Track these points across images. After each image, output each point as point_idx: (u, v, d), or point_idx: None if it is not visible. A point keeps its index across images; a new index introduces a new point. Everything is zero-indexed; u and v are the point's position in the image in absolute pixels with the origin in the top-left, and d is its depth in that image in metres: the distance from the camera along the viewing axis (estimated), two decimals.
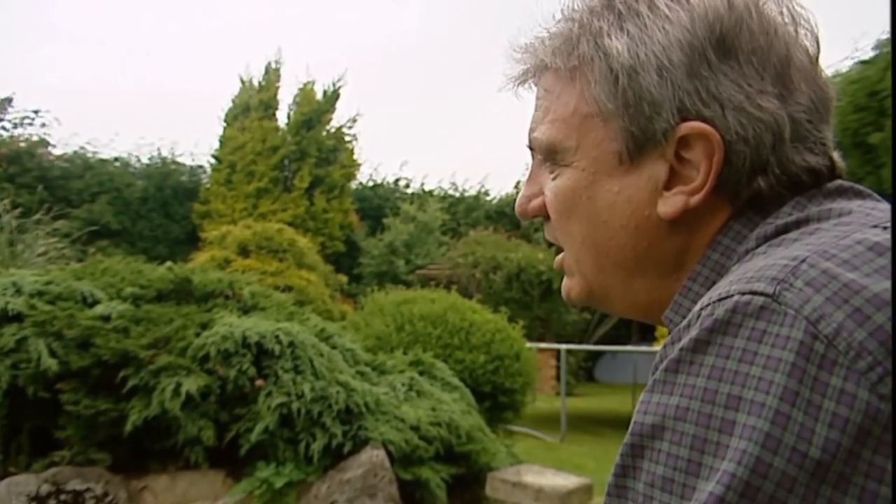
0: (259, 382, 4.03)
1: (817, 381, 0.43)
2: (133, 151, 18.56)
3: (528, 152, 0.72)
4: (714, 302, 0.49)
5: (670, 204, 0.60)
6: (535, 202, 0.70)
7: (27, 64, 38.82)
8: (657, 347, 0.64)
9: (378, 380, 4.86)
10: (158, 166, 18.32)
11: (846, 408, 0.42)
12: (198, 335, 4.10)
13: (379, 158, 36.74)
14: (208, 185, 18.08)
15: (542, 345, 11.04)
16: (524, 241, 14.06)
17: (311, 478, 3.92)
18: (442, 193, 20.69)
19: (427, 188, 20.92)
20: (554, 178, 0.67)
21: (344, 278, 14.12)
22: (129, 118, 35.43)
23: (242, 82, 18.31)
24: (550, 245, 0.74)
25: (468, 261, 13.33)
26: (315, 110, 18.11)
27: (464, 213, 19.94)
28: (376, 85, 43.51)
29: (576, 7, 0.65)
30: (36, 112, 17.71)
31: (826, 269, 0.47)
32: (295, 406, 3.94)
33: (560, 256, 0.71)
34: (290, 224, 14.21)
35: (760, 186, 0.59)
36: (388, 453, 4.08)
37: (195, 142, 33.02)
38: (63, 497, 3.57)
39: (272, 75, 18.25)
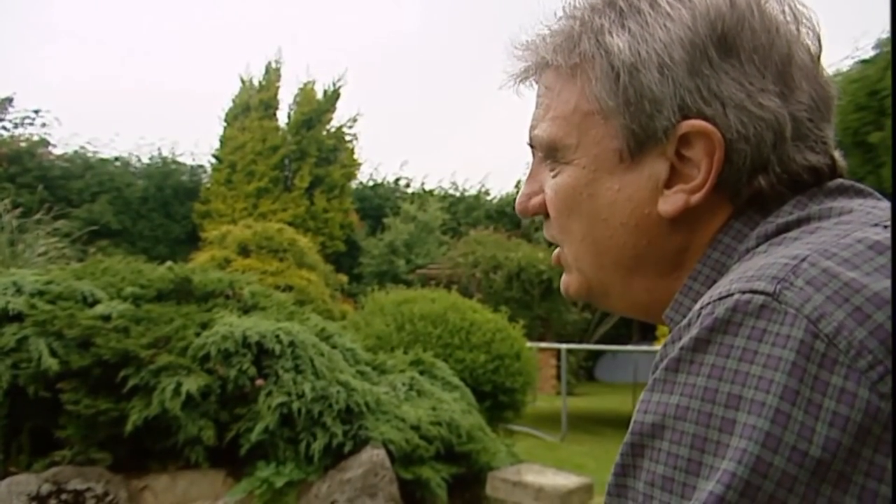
0: (259, 382, 4.03)
1: (818, 380, 0.43)
2: (133, 151, 18.58)
3: (529, 152, 0.72)
4: (714, 301, 0.49)
5: (671, 202, 0.60)
6: (536, 200, 0.70)
7: (27, 64, 38.86)
8: (658, 347, 0.64)
9: (378, 379, 4.87)
10: (159, 166, 18.32)
11: (846, 407, 0.42)
12: (198, 335, 4.11)
13: (379, 158, 36.71)
14: (208, 185, 18.08)
15: (543, 344, 11.04)
16: (524, 241, 14.06)
17: (312, 477, 3.92)
18: (442, 193, 20.69)
19: (427, 188, 20.93)
20: (554, 176, 0.67)
21: (344, 278, 14.12)
22: (129, 118, 35.45)
23: (243, 82, 18.31)
24: (551, 244, 0.74)
25: (468, 260, 13.33)
26: (315, 110, 18.11)
27: (464, 212, 19.94)
28: (376, 85, 43.53)
29: (577, 4, 0.65)
30: (36, 112, 17.73)
31: (827, 268, 0.47)
32: (295, 406, 3.94)
33: (557, 252, 0.71)
34: (290, 224, 14.21)
35: (761, 185, 0.59)
36: (389, 453, 4.08)
37: (195, 141, 32.99)
38: (64, 497, 3.57)
39: (272, 75, 18.25)
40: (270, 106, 18.02)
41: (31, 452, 3.80)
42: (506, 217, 18.54)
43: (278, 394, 3.97)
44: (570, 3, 0.66)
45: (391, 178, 21.21)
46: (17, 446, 3.81)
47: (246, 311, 4.69)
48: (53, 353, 3.74)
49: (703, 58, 0.58)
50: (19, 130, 17.53)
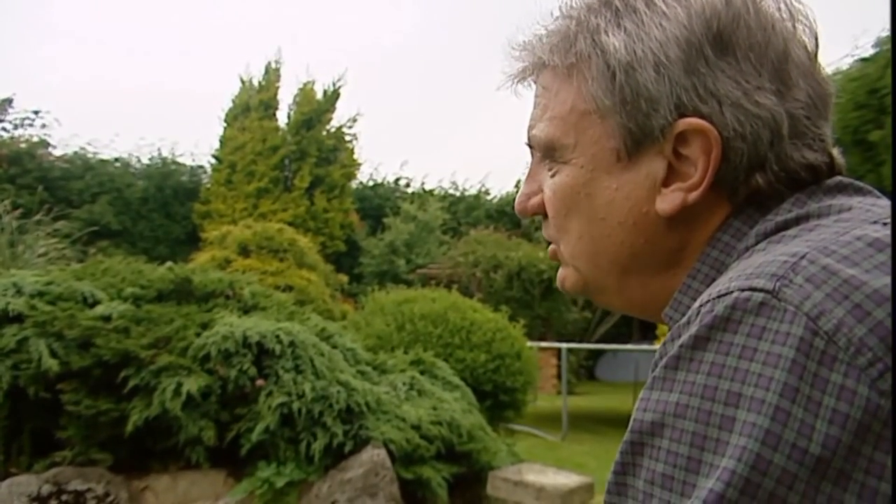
0: (260, 382, 4.03)
1: (817, 378, 0.43)
2: (133, 152, 18.59)
3: (529, 151, 0.72)
4: (714, 299, 0.49)
5: (668, 201, 0.60)
6: (535, 200, 0.70)
7: (27, 64, 38.87)
8: (658, 346, 0.64)
9: (379, 379, 4.86)
10: (159, 166, 18.33)
11: (846, 404, 0.42)
12: (198, 335, 4.10)
13: (379, 158, 36.71)
14: (209, 186, 18.08)
15: (543, 343, 11.04)
16: (525, 240, 14.06)
17: (313, 477, 3.92)
18: (442, 193, 20.70)
19: (427, 187, 20.93)
20: (552, 176, 0.67)
21: (344, 278, 14.12)
22: (129, 118, 35.50)
23: (242, 82, 18.31)
24: (550, 244, 0.75)
25: (469, 260, 13.33)
26: (315, 110, 18.11)
27: (464, 212, 19.95)
28: (376, 85, 43.56)
29: (574, 4, 0.65)
30: (36, 113, 17.75)
31: (826, 266, 0.47)
32: (296, 406, 3.94)
33: (553, 246, 0.71)
34: (290, 224, 14.21)
35: (759, 183, 0.59)
36: (389, 452, 4.08)
37: (195, 142, 33.09)
38: (64, 497, 3.57)
39: (272, 75, 18.25)
40: (270, 106, 18.02)
41: (31, 453, 3.80)
42: (506, 217, 18.55)
43: (279, 394, 3.97)
44: (566, 3, 0.66)
45: (391, 178, 21.22)
46: (17, 447, 3.81)
47: (246, 311, 4.69)
48: (54, 354, 3.74)
49: (699, 56, 0.58)
50: (19, 131, 17.56)
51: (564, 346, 9.92)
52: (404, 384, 4.87)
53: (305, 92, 18.28)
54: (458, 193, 20.89)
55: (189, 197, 18.05)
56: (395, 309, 7.87)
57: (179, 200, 18.02)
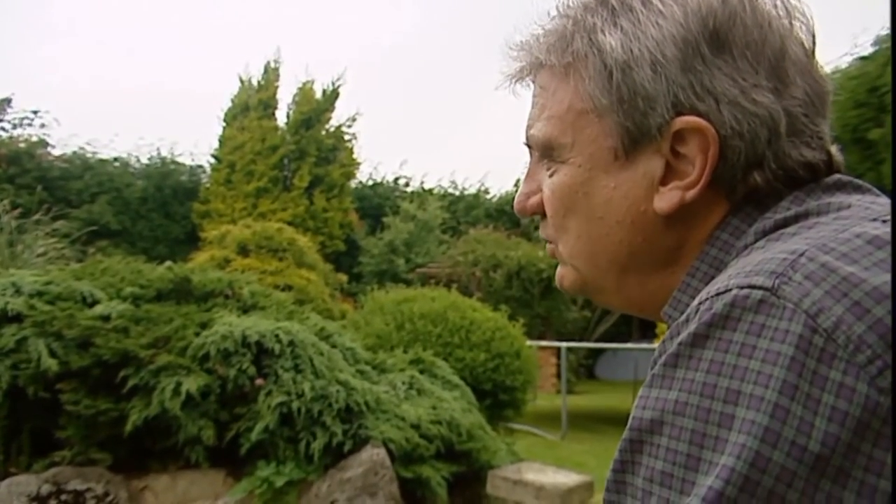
0: (259, 382, 4.02)
1: (816, 375, 0.43)
2: (132, 151, 18.59)
3: (527, 151, 0.72)
4: (712, 296, 0.49)
5: (666, 199, 0.60)
6: (534, 199, 0.70)
7: (26, 64, 38.83)
8: (658, 344, 0.64)
9: (378, 378, 4.86)
10: (158, 166, 18.33)
11: (845, 401, 0.42)
12: (197, 335, 4.10)
13: (378, 157, 36.74)
14: (208, 185, 18.08)
15: (543, 343, 11.04)
16: (524, 240, 14.07)
17: (312, 477, 3.92)
18: (442, 192, 20.70)
19: (427, 187, 20.93)
20: (551, 175, 0.67)
21: (344, 277, 14.13)
22: (128, 118, 35.48)
23: (242, 82, 18.31)
24: (549, 243, 0.75)
25: (468, 259, 13.33)
26: (314, 109, 18.11)
27: (464, 211, 19.95)
28: (375, 84, 43.53)
29: (570, 4, 0.65)
30: (35, 112, 17.74)
31: (825, 263, 0.47)
32: (295, 405, 3.94)
33: (552, 245, 0.71)
34: (289, 223, 14.21)
35: (757, 181, 0.59)
36: (389, 452, 4.08)
37: (194, 142, 33.10)
38: (64, 497, 3.57)
39: (271, 75, 18.24)
40: (269, 106, 18.02)
41: (30, 453, 3.79)
42: (505, 216, 18.55)
43: (278, 393, 3.97)
44: (563, 3, 0.66)
45: (390, 178, 21.23)
46: (16, 447, 3.80)
47: (245, 310, 4.69)
48: (53, 354, 3.73)
49: (695, 54, 0.58)
50: (18, 131, 17.56)
51: (564, 344, 9.92)
52: (404, 383, 4.87)
53: (304, 91, 18.27)
54: (457, 193, 20.90)
55: (188, 196, 18.04)
56: (395, 308, 7.87)
57: (179, 200, 18.02)
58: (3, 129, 17.50)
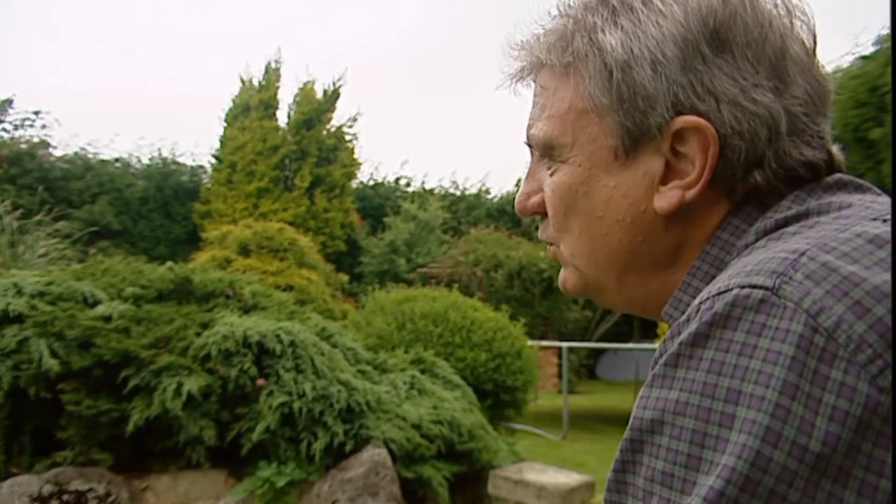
0: (260, 382, 4.03)
1: (817, 375, 0.43)
2: (133, 152, 18.67)
3: (528, 150, 0.72)
4: (713, 296, 0.49)
5: (666, 198, 0.60)
6: (535, 199, 0.70)
7: (28, 65, 38.87)
8: (659, 344, 0.64)
9: (379, 378, 4.86)
10: (159, 167, 18.35)
11: (846, 401, 0.42)
12: (199, 335, 4.10)
13: (379, 157, 36.80)
14: (209, 185, 18.10)
15: (544, 342, 11.05)
16: (525, 239, 14.08)
17: (313, 477, 3.92)
18: (443, 192, 20.72)
19: (428, 187, 20.96)
20: (551, 175, 0.67)
21: (345, 277, 14.13)
22: (129, 119, 35.58)
23: (242, 82, 18.32)
24: (549, 242, 0.75)
25: (469, 259, 13.34)
26: (315, 110, 18.12)
27: (465, 211, 19.96)
28: (376, 84, 43.55)
29: (571, 3, 0.65)
30: (36, 113, 17.78)
31: (826, 262, 0.46)
32: (296, 405, 3.94)
33: (553, 247, 0.71)
34: (290, 223, 14.23)
35: (757, 181, 0.59)
36: (390, 452, 4.08)
37: (195, 142, 33.20)
38: (65, 497, 3.57)
39: (272, 75, 18.25)
40: (270, 106, 18.03)
41: (32, 453, 3.80)
42: (506, 215, 18.56)
43: (279, 393, 3.97)
44: (564, 2, 0.66)
45: (391, 178, 21.26)
46: (18, 447, 3.81)
47: (246, 310, 4.69)
48: (54, 354, 3.74)
49: (695, 54, 0.58)
50: (19, 132, 17.60)
51: (565, 344, 9.92)
52: (405, 383, 4.87)
53: (305, 91, 18.28)
54: (458, 192, 20.91)
55: (189, 197, 18.06)
56: (396, 308, 7.88)
57: (180, 200, 18.03)
58: (4, 129, 17.54)
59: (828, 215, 0.55)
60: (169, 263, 5.24)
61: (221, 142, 18.11)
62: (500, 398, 7.46)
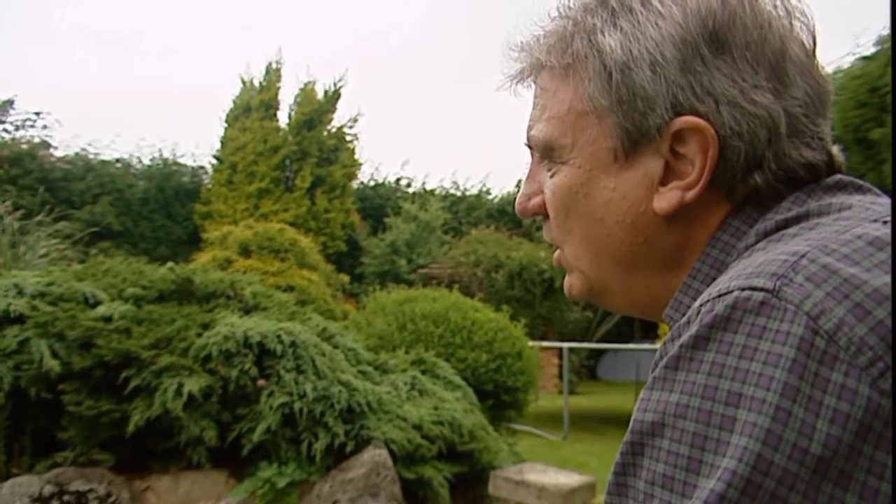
0: (261, 382, 4.03)
1: (818, 377, 0.43)
2: (134, 153, 18.64)
3: (528, 152, 0.72)
4: (714, 298, 0.49)
5: (666, 199, 0.60)
6: (535, 200, 0.70)
7: (29, 66, 38.91)
8: (659, 345, 0.64)
9: (380, 379, 4.86)
10: (160, 167, 18.35)
11: (847, 403, 0.42)
12: (199, 335, 4.11)
13: (380, 158, 36.80)
14: (210, 186, 18.09)
15: (545, 343, 11.04)
16: (526, 240, 14.07)
17: (314, 477, 3.92)
18: (443, 192, 20.71)
19: (428, 187, 20.94)
20: (552, 176, 0.67)
21: (346, 278, 14.13)
22: (130, 119, 35.58)
23: (243, 82, 18.31)
24: (555, 248, 0.75)
25: (470, 259, 13.33)
26: (316, 110, 18.11)
27: (465, 211, 19.95)
28: (377, 84, 43.57)
29: (571, 5, 0.65)
30: (37, 114, 17.78)
31: (826, 264, 0.46)
32: (297, 406, 3.94)
33: (558, 253, 0.71)
34: (291, 224, 14.23)
35: (757, 182, 0.59)
36: (391, 452, 4.08)
37: (196, 142, 33.08)
38: (66, 498, 3.58)
39: (273, 75, 18.25)
40: (271, 106, 18.02)
41: (33, 454, 3.80)
42: (507, 216, 18.56)
43: (280, 394, 3.97)
44: (563, 4, 0.66)
45: (392, 178, 21.24)
46: (19, 448, 3.81)
47: (247, 311, 4.69)
48: (55, 355, 3.74)
49: (695, 55, 0.58)
50: (20, 133, 17.59)
51: (566, 345, 9.92)
52: (406, 384, 4.87)
53: (306, 92, 18.27)
54: (459, 193, 20.90)
55: (190, 197, 18.06)
56: (397, 309, 7.87)
57: (180, 201, 18.04)
58: (5, 130, 17.55)
59: (828, 217, 0.55)
60: (170, 264, 5.24)
61: (222, 142, 18.10)
62: (500, 399, 7.46)
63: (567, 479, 4.40)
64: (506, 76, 0.71)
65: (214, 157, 18.38)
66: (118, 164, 18.03)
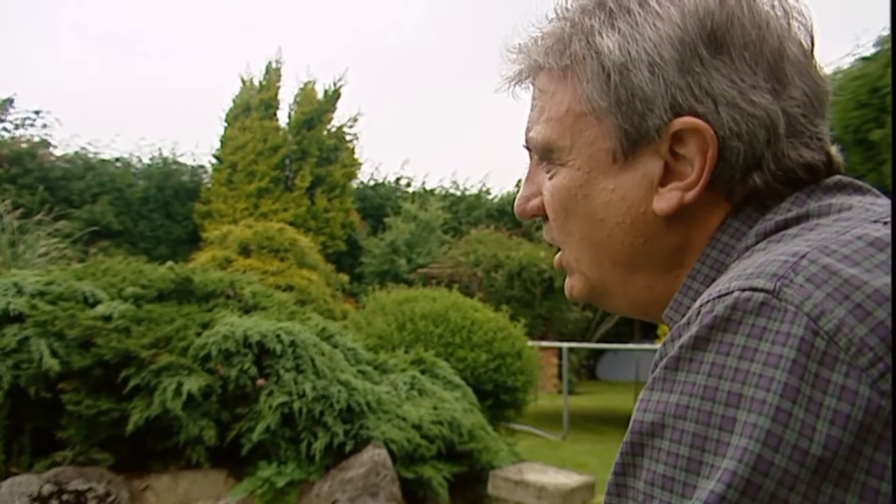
0: (260, 382, 4.03)
1: (818, 378, 0.43)
2: (134, 152, 18.65)
3: (527, 153, 0.72)
4: (714, 299, 0.49)
5: (665, 200, 0.60)
6: (534, 202, 0.70)
7: (28, 65, 38.89)
8: (659, 345, 0.65)
9: (380, 379, 4.86)
10: (159, 166, 18.35)
11: (847, 404, 0.42)
12: (199, 335, 4.10)
13: (380, 157, 36.82)
14: (209, 185, 18.09)
15: (544, 343, 11.04)
16: (525, 240, 14.07)
17: (313, 477, 3.92)
18: (443, 192, 20.71)
19: (428, 187, 20.95)
20: (550, 178, 0.67)
21: (345, 277, 14.13)
22: (130, 119, 35.57)
23: (243, 82, 18.32)
24: (557, 250, 0.75)
25: (469, 259, 13.34)
26: (316, 110, 18.11)
27: (465, 211, 19.95)
28: (377, 84, 43.56)
29: (568, 6, 0.65)
30: (37, 113, 17.79)
31: (827, 265, 0.46)
32: (296, 405, 3.94)
33: (559, 255, 0.71)
34: (291, 223, 14.23)
35: (756, 183, 0.59)
36: (390, 452, 4.08)
37: (196, 142, 33.14)
38: (65, 497, 3.57)
39: (273, 75, 18.25)
40: (271, 106, 18.02)
41: (32, 453, 3.80)
42: (507, 216, 18.55)
43: (279, 393, 3.97)
44: (561, 5, 0.66)
45: (392, 178, 21.24)
46: (18, 447, 3.81)
47: (247, 310, 4.69)
48: (54, 354, 3.74)
49: (693, 56, 0.58)
50: (20, 132, 17.60)
51: (565, 345, 9.92)
52: (405, 384, 4.87)
53: (306, 91, 18.28)
54: (458, 193, 20.90)
55: (190, 197, 18.06)
56: (396, 308, 7.88)
57: (180, 200, 18.04)
58: (5, 129, 17.55)
59: (828, 217, 0.55)
60: (169, 263, 5.24)
61: (222, 142, 18.10)
62: (500, 399, 7.46)
63: (566, 479, 4.40)
64: (504, 78, 0.71)
65: (214, 156, 18.38)
66: (118, 164, 18.04)
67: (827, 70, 0.64)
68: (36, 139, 17.36)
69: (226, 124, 18.19)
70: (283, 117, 18.27)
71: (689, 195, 0.59)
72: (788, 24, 0.61)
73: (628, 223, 0.63)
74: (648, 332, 14.71)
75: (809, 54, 0.62)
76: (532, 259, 12.61)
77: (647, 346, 11.39)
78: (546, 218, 0.69)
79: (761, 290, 0.46)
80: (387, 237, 17.08)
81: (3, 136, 17.33)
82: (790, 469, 0.42)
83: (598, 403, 11.75)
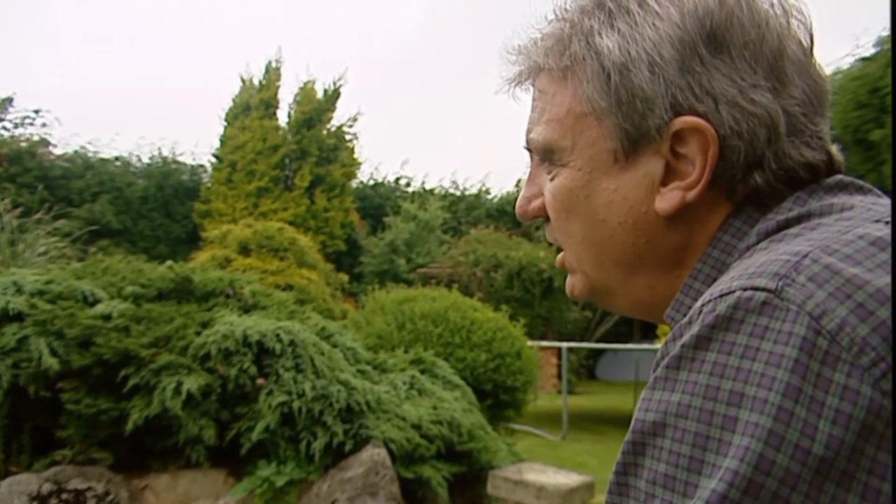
0: (260, 381, 4.02)
1: (820, 378, 0.43)
2: (134, 151, 18.64)
3: (528, 154, 0.72)
4: (715, 298, 0.49)
5: (667, 199, 0.60)
6: (536, 203, 0.70)
7: (28, 64, 38.89)
8: (659, 345, 0.64)
9: (379, 378, 4.86)
10: (159, 166, 18.34)
11: (849, 404, 0.42)
12: (198, 334, 4.10)
13: (380, 157, 36.82)
14: (209, 185, 18.09)
15: (544, 343, 11.04)
16: (525, 240, 14.08)
17: (313, 476, 3.92)
18: (443, 192, 20.70)
19: (428, 187, 20.94)
20: (552, 179, 0.67)
21: (345, 277, 14.13)
22: (129, 118, 35.49)
23: (243, 81, 18.31)
24: (551, 243, 0.75)
25: (469, 259, 13.34)
26: (316, 109, 18.11)
27: (465, 211, 19.95)
28: (377, 84, 43.55)
29: (568, 7, 0.65)
30: (37, 112, 17.78)
31: (828, 265, 0.46)
32: (296, 405, 3.94)
33: (561, 255, 0.71)
34: (290, 223, 14.23)
35: (757, 182, 0.59)
36: (390, 452, 4.08)
37: (196, 141, 33.03)
38: (64, 496, 3.57)
39: (272, 74, 18.24)
40: (271, 105, 18.02)
41: (31, 452, 3.80)
42: (506, 216, 18.56)
43: (279, 393, 3.97)
44: (560, 6, 0.66)
45: (392, 177, 21.24)
46: (17, 446, 3.81)
47: (246, 310, 4.69)
48: (54, 353, 3.74)
49: (693, 55, 0.58)
50: (20, 130, 17.60)
51: (565, 345, 9.92)
52: (404, 383, 4.87)
53: (306, 91, 18.27)
54: (458, 193, 20.90)
55: (189, 196, 18.06)
56: (396, 308, 7.88)
57: (180, 199, 18.03)
58: (4, 128, 17.55)
59: (830, 217, 0.55)
60: (169, 262, 5.24)
61: (222, 141, 18.10)
62: (499, 398, 7.47)
63: (566, 478, 4.40)
64: (504, 80, 0.71)
65: (214, 155, 18.38)
66: (117, 163, 18.03)
67: (827, 70, 0.64)
68: (35, 138, 17.36)
69: (225, 124, 18.19)
70: (282, 117, 18.28)
71: (691, 194, 0.59)
72: (788, 22, 0.61)
73: (630, 223, 0.62)
74: (648, 332, 14.71)
75: (809, 53, 0.62)
76: (531, 259, 12.61)
77: (646, 346, 11.40)
78: (548, 219, 0.69)
79: (763, 290, 0.46)
80: (386, 237, 17.08)
81: (2, 135, 17.33)
82: (792, 468, 0.42)
83: (598, 403, 11.75)
